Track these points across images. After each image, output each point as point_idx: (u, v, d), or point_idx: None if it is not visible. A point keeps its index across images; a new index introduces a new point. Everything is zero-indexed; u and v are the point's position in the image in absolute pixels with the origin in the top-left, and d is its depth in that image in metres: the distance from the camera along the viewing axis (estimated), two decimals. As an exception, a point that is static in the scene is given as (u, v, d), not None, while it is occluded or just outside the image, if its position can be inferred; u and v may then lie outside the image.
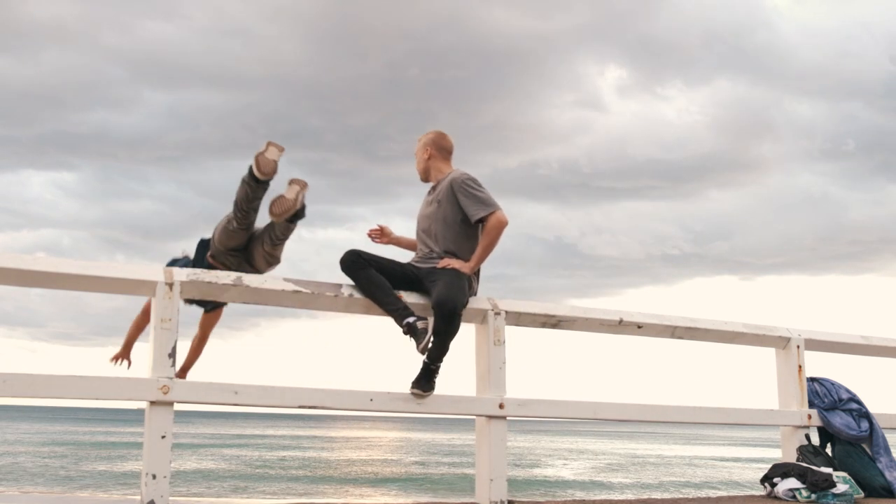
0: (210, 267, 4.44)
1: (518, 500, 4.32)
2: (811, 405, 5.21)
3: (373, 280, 3.93)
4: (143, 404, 3.44)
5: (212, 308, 4.68)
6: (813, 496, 4.50)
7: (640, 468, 32.61)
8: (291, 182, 4.22)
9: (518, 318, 4.33)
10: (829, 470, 4.64)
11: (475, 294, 4.19)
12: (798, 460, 4.87)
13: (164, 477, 3.33)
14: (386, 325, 3.91)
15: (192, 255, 4.57)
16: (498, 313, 4.20)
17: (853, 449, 5.09)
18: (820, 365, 5.53)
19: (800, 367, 5.21)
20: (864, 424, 5.16)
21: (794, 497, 4.55)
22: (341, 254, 3.99)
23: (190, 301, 4.30)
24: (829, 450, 5.17)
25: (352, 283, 3.99)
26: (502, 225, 4.10)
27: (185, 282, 3.56)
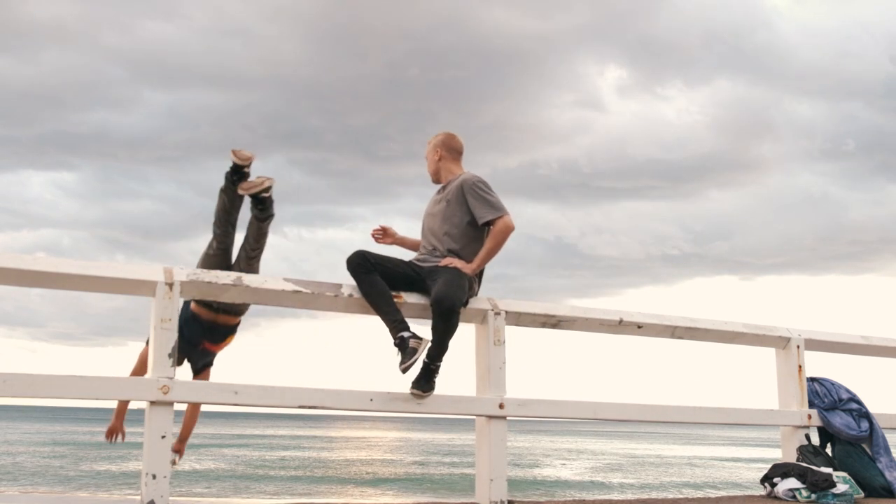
0: (194, 316, 4.52)
1: (518, 500, 4.32)
2: (811, 405, 5.21)
3: (375, 286, 3.94)
4: (143, 404, 3.44)
5: (201, 368, 4.72)
6: (813, 496, 4.50)
7: (640, 468, 32.62)
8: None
9: (518, 318, 4.33)
10: (829, 470, 4.64)
11: (475, 295, 4.19)
12: (798, 460, 4.87)
13: (164, 477, 3.33)
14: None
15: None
16: (498, 313, 4.20)
17: (853, 449, 5.09)
18: (820, 365, 5.53)
19: (800, 367, 5.21)
20: (864, 424, 5.16)
21: (794, 497, 4.55)
22: (341, 254, 4.02)
23: (179, 359, 4.32)
24: (829, 450, 5.17)
25: (353, 283, 3.99)
26: (509, 230, 4.13)
27: (185, 282, 3.56)
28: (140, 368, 4.53)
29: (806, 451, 4.93)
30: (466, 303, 4.04)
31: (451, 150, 4.37)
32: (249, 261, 4.55)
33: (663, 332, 4.86)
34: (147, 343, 4.51)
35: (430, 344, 3.85)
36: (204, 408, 4.93)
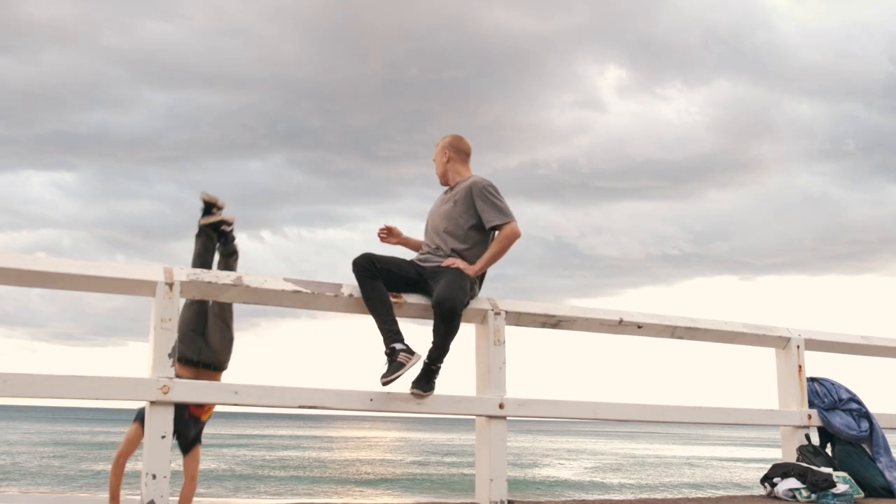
0: (177, 376, 4.50)
1: (518, 500, 4.32)
2: (811, 405, 5.21)
3: (377, 292, 3.93)
4: (144, 404, 3.43)
5: (192, 442, 4.69)
6: (813, 496, 4.50)
7: (640, 468, 32.62)
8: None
9: (518, 318, 4.33)
10: (829, 470, 4.64)
11: (475, 297, 4.19)
12: (798, 460, 4.87)
13: (164, 477, 3.33)
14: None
15: None
16: (498, 313, 4.20)
17: (853, 449, 5.09)
18: (820, 365, 5.53)
19: (800, 367, 5.21)
20: (864, 424, 5.16)
21: (794, 497, 4.55)
22: (341, 254, 4.05)
23: (177, 436, 4.29)
24: (829, 450, 5.17)
25: (353, 283, 3.99)
26: (515, 236, 4.15)
27: (185, 282, 3.56)
28: (126, 448, 4.52)
29: (806, 451, 4.93)
30: (466, 304, 4.04)
31: (459, 151, 4.39)
32: (221, 305, 4.48)
33: (663, 332, 4.86)
34: (134, 421, 4.51)
35: (420, 359, 3.83)
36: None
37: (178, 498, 4.51)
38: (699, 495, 7.41)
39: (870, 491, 4.89)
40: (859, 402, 5.25)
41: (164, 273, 3.54)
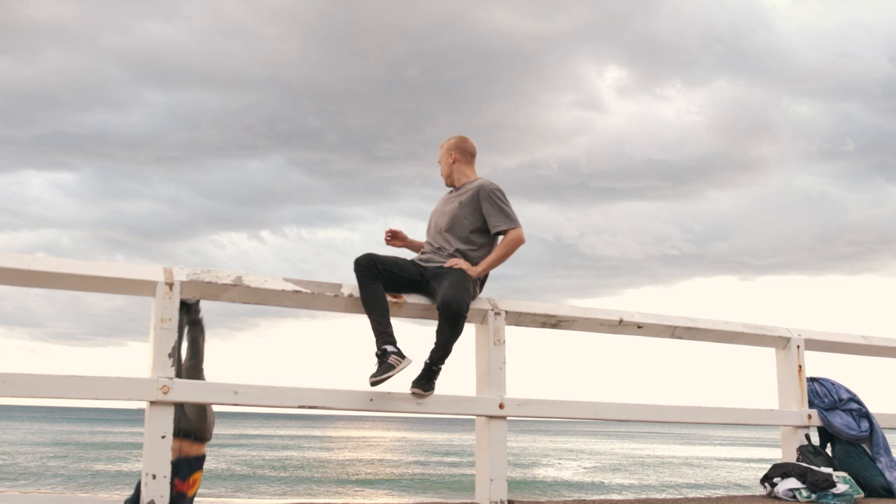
0: None
1: (518, 500, 4.32)
2: (811, 405, 5.21)
3: (375, 295, 3.92)
4: (143, 404, 3.43)
5: None
6: (813, 496, 4.50)
7: (640, 468, 32.62)
8: None
9: (518, 318, 4.33)
10: (829, 470, 4.64)
11: (475, 298, 4.19)
12: (798, 460, 4.87)
13: (164, 477, 3.33)
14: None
15: None
16: (498, 313, 4.20)
17: (853, 449, 5.09)
18: (820, 365, 5.54)
19: (800, 367, 5.21)
20: (864, 424, 5.16)
21: (794, 497, 4.55)
22: (341, 254, 4.06)
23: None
24: (829, 450, 5.18)
25: (354, 283, 3.99)
26: (519, 242, 4.17)
27: (185, 282, 3.56)
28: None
29: (806, 451, 4.93)
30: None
31: (464, 152, 4.40)
32: (188, 371, 4.22)
33: (663, 332, 4.86)
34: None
35: (409, 364, 3.81)
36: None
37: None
38: (699, 495, 7.41)
39: (870, 491, 4.89)
40: (859, 402, 5.26)
41: (163, 273, 3.54)
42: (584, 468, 31.84)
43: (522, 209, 4.28)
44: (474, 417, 4.12)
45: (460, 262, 4.07)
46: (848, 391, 5.32)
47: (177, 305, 3.52)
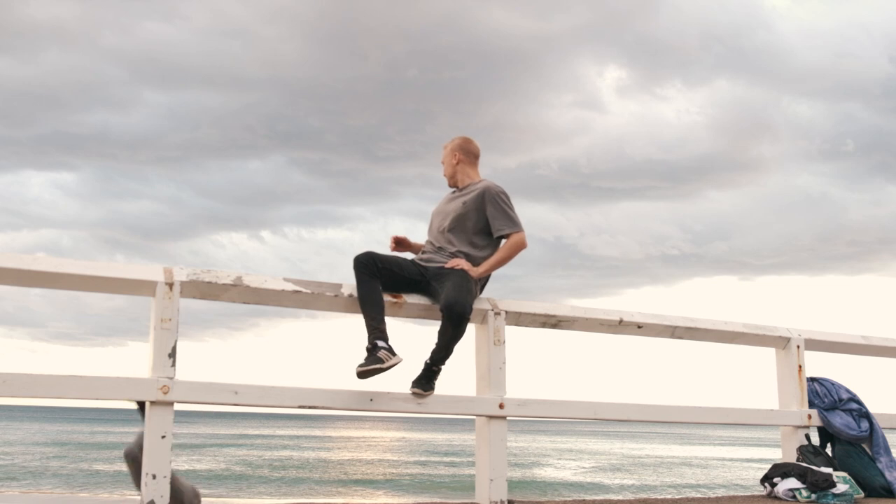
0: None
1: (518, 500, 4.32)
2: (811, 405, 5.21)
3: (372, 293, 3.91)
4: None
5: None
6: (813, 496, 4.50)
7: (640, 468, 32.62)
8: None
9: (518, 318, 4.33)
10: (829, 470, 4.64)
11: (476, 298, 4.19)
12: (798, 460, 4.87)
13: (164, 477, 3.33)
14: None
15: None
16: (498, 313, 4.20)
17: (853, 449, 5.09)
18: (820, 365, 5.53)
19: (800, 367, 5.21)
20: (864, 424, 5.16)
21: (794, 497, 4.55)
22: (341, 254, 4.06)
23: None
24: (829, 450, 5.18)
25: (354, 284, 3.99)
26: (522, 246, 4.18)
27: (185, 282, 3.56)
28: None
29: (806, 451, 4.93)
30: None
31: (468, 153, 4.40)
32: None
33: (663, 332, 4.86)
34: None
35: (399, 363, 3.77)
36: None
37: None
38: (699, 495, 7.42)
39: (870, 491, 4.89)
40: (859, 402, 5.26)
41: (163, 273, 3.54)
42: (584, 468, 31.84)
43: (522, 209, 4.29)
44: (474, 417, 4.12)
45: (462, 263, 4.07)
46: (848, 391, 5.32)
47: (177, 305, 3.52)
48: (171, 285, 3.51)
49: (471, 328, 4.22)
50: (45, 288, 3.62)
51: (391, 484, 23.59)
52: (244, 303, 3.91)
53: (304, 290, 3.84)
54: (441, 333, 3.91)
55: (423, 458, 35.48)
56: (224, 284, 3.69)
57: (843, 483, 4.59)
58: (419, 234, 4.48)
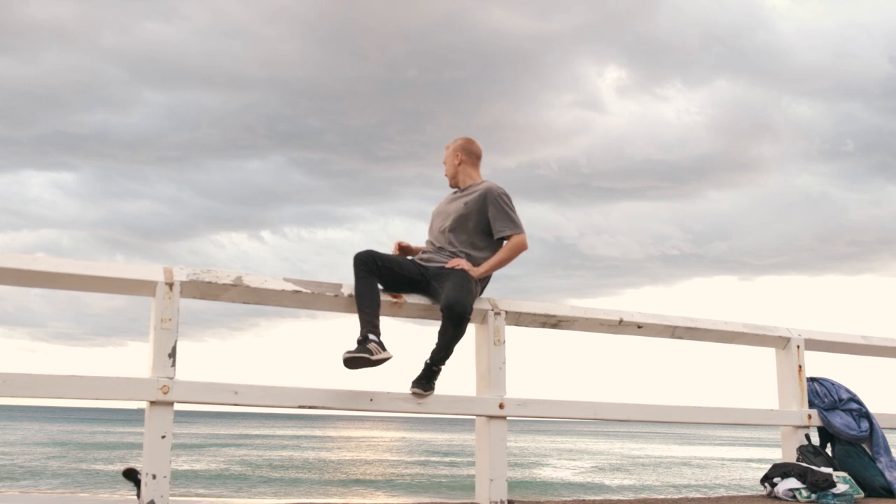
0: None
1: (518, 500, 4.32)
2: (811, 405, 5.21)
3: (369, 289, 3.90)
4: (143, 404, 3.44)
5: None
6: (813, 496, 4.50)
7: (640, 468, 32.61)
8: None
9: (518, 318, 4.33)
10: (829, 470, 4.64)
11: (476, 298, 4.19)
12: (798, 460, 4.87)
13: (164, 477, 3.33)
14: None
15: None
16: (498, 313, 4.20)
17: (853, 449, 5.09)
18: (820, 365, 5.53)
19: (800, 367, 5.21)
20: (864, 424, 5.16)
21: (794, 497, 4.55)
22: (341, 254, 4.05)
23: None
24: (829, 450, 5.18)
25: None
26: (523, 247, 4.18)
27: (185, 282, 3.56)
28: None
29: (806, 451, 4.93)
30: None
31: (470, 154, 4.40)
32: None
33: (663, 332, 4.86)
34: None
35: (389, 359, 3.74)
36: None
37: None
38: (699, 495, 7.41)
39: (870, 491, 4.89)
40: (859, 402, 5.26)
41: (163, 273, 3.54)
42: (584, 468, 31.83)
43: (523, 209, 4.30)
44: (474, 417, 4.12)
45: (462, 263, 4.07)
46: (848, 391, 5.32)
47: (177, 305, 3.52)
48: (171, 285, 3.51)
49: (471, 328, 4.22)
50: (45, 288, 3.62)
51: (391, 484, 23.58)
52: (244, 303, 3.91)
53: (304, 290, 3.84)
54: (441, 333, 3.91)
55: (423, 458, 35.47)
56: (224, 284, 3.69)
57: (843, 483, 4.59)
58: (419, 233, 4.49)
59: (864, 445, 5.16)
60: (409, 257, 4.26)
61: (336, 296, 3.93)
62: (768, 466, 4.89)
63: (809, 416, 5.13)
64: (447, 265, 4.08)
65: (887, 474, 4.98)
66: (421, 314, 4.12)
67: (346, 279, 3.99)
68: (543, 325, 4.46)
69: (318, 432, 64.90)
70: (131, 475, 3.60)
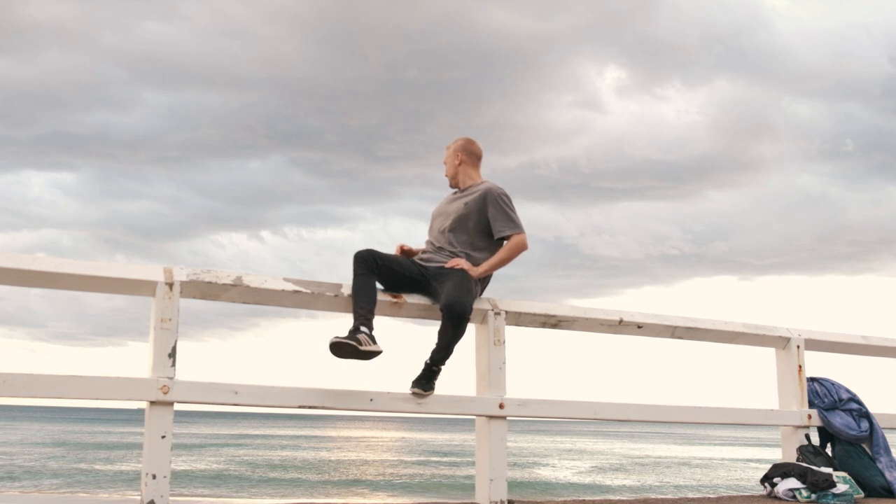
0: None
1: (518, 500, 4.32)
2: (811, 405, 5.21)
3: (366, 286, 3.89)
4: (143, 404, 3.44)
5: None
6: (813, 496, 4.50)
7: (640, 468, 32.61)
8: None
9: (518, 318, 4.33)
10: (829, 470, 4.64)
11: (476, 298, 4.19)
12: (798, 460, 4.87)
13: (164, 477, 3.33)
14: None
15: None
16: (498, 313, 4.20)
17: (853, 449, 5.09)
18: (820, 365, 5.53)
19: (800, 367, 5.21)
20: (864, 424, 5.16)
21: (794, 497, 4.55)
22: (341, 254, 4.04)
23: None
24: (829, 450, 5.18)
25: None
26: (523, 247, 4.19)
27: (185, 282, 3.56)
28: None
29: (806, 451, 4.93)
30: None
31: (471, 154, 4.40)
32: None
33: (663, 332, 4.86)
34: None
35: (379, 353, 3.72)
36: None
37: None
38: (699, 495, 7.41)
39: (870, 491, 4.89)
40: (859, 402, 5.26)
41: (163, 273, 3.54)
42: (584, 468, 31.83)
43: (523, 209, 4.30)
44: (474, 417, 4.12)
45: (462, 263, 4.07)
46: (848, 391, 5.32)
47: (177, 305, 3.52)
48: (171, 285, 3.51)
49: (471, 328, 4.22)
50: (45, 288, 3.62)
51: (391, 484, 23.58)
52: (244, 303, 3.91)
53: (304, 290, 3.84)
54: (441, 333, 3.91)
55: (423, 458, 35.46)
56: (224, 284, 3.69)
57: (843, 483, 4.59)
58: (419, 233, 4.48)
59: (864, 445, 5.15)
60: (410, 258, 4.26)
61: (336, 296, 3.93)
62: (768, 466, 4.89)
63: (809, 416, 5.13)
64: (447, 265, 4.08)
65: (887, 474, 4.98)
66: (421, 314, 4.11)
67: (346, 279, 3.99)
68: (543, 325, 4.46)
69: (317, 432, 64.89)
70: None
